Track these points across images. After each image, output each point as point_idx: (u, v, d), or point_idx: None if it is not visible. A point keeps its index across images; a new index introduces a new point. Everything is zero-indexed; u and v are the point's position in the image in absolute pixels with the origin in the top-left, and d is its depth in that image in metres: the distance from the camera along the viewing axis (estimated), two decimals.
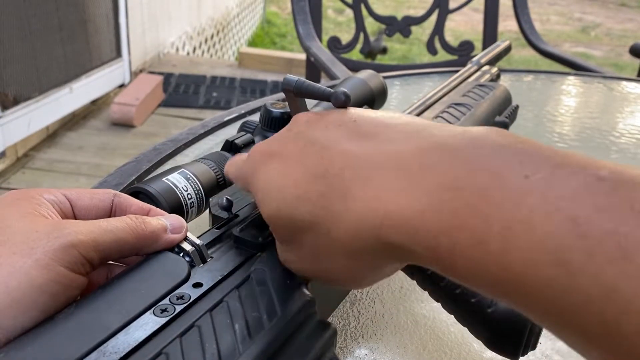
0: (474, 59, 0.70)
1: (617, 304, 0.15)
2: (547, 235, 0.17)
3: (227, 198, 0.32)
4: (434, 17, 1.58)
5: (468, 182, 0.19)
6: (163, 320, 0.24)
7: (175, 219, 0.29)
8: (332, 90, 0.29)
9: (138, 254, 0.28)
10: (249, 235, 0.30)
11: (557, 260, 0.16)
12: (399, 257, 0.23)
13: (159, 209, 0.30)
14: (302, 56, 2.71)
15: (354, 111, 0.27)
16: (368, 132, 0.25)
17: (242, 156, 0.31)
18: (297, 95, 0.30)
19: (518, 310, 0.19)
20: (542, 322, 0.19)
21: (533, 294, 0.17)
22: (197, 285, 0.26)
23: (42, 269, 0.23)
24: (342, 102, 0.28)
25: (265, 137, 0.44)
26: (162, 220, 0.29)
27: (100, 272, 0.29)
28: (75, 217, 0.28)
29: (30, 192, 0.27)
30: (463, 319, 0.33)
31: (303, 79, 0.30)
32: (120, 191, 0.31)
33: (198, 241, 0.29)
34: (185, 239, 0.29)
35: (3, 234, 0.24)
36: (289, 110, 0.44)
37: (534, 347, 0.31)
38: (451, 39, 1.61)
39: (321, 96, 0.29)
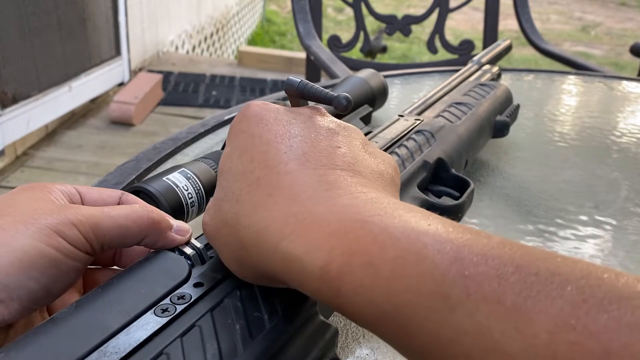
0: (475, 58, 0.70)
1: (486, 342, 0.17)
2: (434, 267, 0.18)
3: None
4: (434, 16, 1.58)
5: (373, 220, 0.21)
6: (164, 320, 0.24)
7: (182, 224, 0.30)
8: (334, 95, 0.29)
9: (141, 245, 0.28)
10: None
11: (440, 292, 0.18)
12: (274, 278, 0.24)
13: (164, 212, 0.30)
14: (302, 55, 2.71)
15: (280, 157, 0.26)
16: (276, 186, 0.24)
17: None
18: (299, 97, 0.30)
19: (392, 346, 0.20)
20: (408, 354, 0.19)
21: (412, 326, 0.18)
22: (198, 285, 0.26)
23: (44, 236, 0.25)
24: (344, 107, 0.29)
25: None
26: (169, 218, 0.29)
27: (106, 274, 0.30)
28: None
29: (44, 183, 0.29)
30: None
31: (306, 81, 0.29)
32: (120, 190, 0.32)
33: (198, 244, 0.29)
34: (187, 242, 0.29)
35: (10, 209, 0.26)
36: None
37: None
38: (452, 38, 1.61)
39: (323, 100, 0.29)
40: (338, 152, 0.26)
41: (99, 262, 0.31)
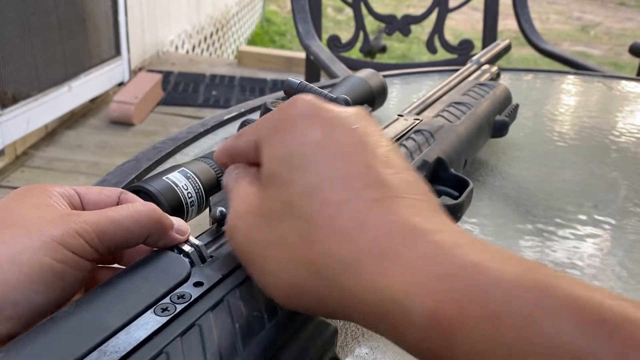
0: (474, 57, 0.70)
1: None
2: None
3: (220, 210, 0.32)
4: (433, 16, 1.58)
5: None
6: (164, 320, 0.24)
7: (182, 222, 0.30)
8: (334, 96, 0.29)
9: (145, 244, 0.28)
10: None
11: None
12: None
13: (162, 211, 0.30)
14: (302, 55, 2.71)
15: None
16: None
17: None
18: None
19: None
20: None
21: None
22: (198, 284, 0.26)
23: (49, 250, 0.24)
24: None
25: None
26: (170, 217, 0.29)
27: (106, 273, 0.30)
28: (83, 209, 0.29)
29: (42, 185, 0.28)
30: None
31: (305, 82, 0.30)
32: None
33: (197, 242, 0.29)
34: (186, 240, 0.29)
35: (12, 219, 0.25)
36: None
37: None
38: (451, 37, 1.61)
39: None
40: (406, 178, 0.23)
41: (99, 262, 0.31)
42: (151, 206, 0.29)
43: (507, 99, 0.61)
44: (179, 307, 0.24)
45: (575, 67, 1.34)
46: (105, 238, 0.26)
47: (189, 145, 0.62)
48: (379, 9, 1.60)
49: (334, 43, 1.53)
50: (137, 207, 0.28)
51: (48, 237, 0.24)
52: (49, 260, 0.24)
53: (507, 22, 2.86)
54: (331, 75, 1.21)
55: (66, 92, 2.22)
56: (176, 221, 0.29)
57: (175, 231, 0.29)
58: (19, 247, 0.24)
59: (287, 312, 0.25)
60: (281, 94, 0.70)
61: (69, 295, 0.26)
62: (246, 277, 0.27)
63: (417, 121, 0.49)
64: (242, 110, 0.71)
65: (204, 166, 0.38)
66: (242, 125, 0.46)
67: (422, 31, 4.21)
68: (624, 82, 0.94)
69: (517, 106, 0.63)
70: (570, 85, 0.92)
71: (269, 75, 2.97)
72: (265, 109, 0.44)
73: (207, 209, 0.37)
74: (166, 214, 0.29)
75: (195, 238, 0.29)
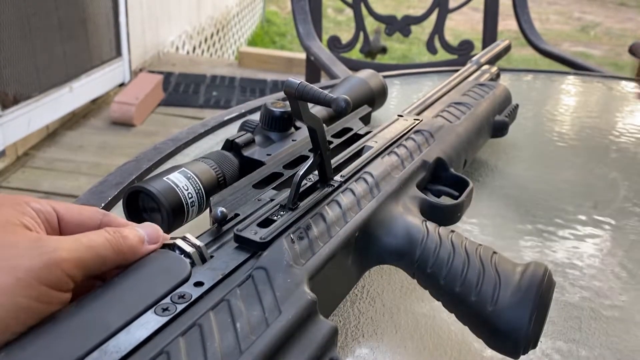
0: (474, 58, 0.70)
1: None
2: None
3: (221, 210, 0.32)
4: (433, 17, 1.58)
5: None
6: (164, 319, 0.24)
7: (152, 229, 0.29)
8: (333, 97, 0.29)
9: (118, 268, 0.27)
10: (250, 233, 0.30)
11: None
12: None
13: (128, 222, 0.29)
14: (302, 55, 2.71)
15: None
16: None
17: None
18: (298, 99, 0.30)
19: None
20: None
21: None
22: (198, 284, 0.26)
23: (24, 288, 0.22)
24: (343, 109, 0.29)
25: (265, 137, 0.44)
26: (139, 231, 0.28)
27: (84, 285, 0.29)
28: (60, 231, 0.28)
29: (16, 199, 0.26)
30: (463, 317, 0.33)
31: (305, 83, 0.30)
32: (121, 190, 0.31)
33: (198, 242, 0.29)
34: (185, 240, 0.29)
35: None
36: (289, 109, 0.44)
37: (534, 346, 0.31)
38: (451, 38, 1.61)
39: (322, 102, 0.29)
40: None
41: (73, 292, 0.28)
42: (119, 231, 0.27)
43: (507, 99, 0.62)
44: (180, 307, 0.25)
45: (575, 67, 1.34)
46: (83, 266, 0.24)
47: (190, 146, 0.62)
48: (379, 9, 1.60)
49: (334, 44, 1.53)
50: (110, 235, 0.27)
51: (22, 272, 0.22)
52: (23, 301, 0.22)
53: (507, 23, 2.86)
54: (331, 76, 1.21)
55: (67, 93, 2.22)
56: (146, 229, 0.28)
57: (147, 241, 0.28)
58: None
59: (287, 311, 0.25)
60: (281, 94, 0.70)
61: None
62: (247, 277, 0.27)
63: (417, 121, 0.49)
64: (243, 110, 0.71)
65: (205, 167, 0.39)
66: (243, 125, 0.46)
67: (422, 32, 4.21)
68: (623, 82, 0.94)
69: (517, 106, 0.63)
70: (570, 86, 0.92)
71: (269, 76, 2.97)
72: (265, 110, 0.45)
73: (208, 209, 0.37)
74: (134, 227, 0.28)
75: (196, 238, 0.30)
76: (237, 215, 0.33)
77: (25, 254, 0.23)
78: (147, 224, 0.29)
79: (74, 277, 0.24)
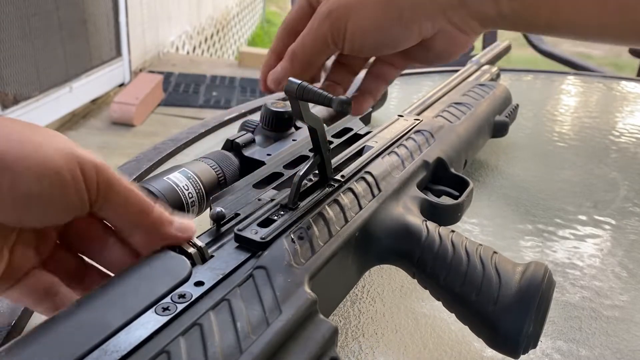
0: (474, 58, 0.70)
1: None
2: None
3: (220, 209, 0.32)
4: None
5: None
6: (165, 319, 0.24)
7: (187, 222, 0.29)
8: (333, 97, 0.29)
9: (133, 240, 0.27)
10: (250, 233, 0.30)
11: None
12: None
13: (164, 208, 0.29)
14: None
15: None
16: None
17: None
18: (298, 99, 0.30)
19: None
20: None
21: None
22: (199, 283, 0.26)
23: (70, 162, 0.24)
24: (343, 109, 0.29)
25: (266, 136, 0.44)
26: (169, 215, 0.28)
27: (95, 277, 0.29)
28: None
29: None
30: (464, 317, 0.33)
31: (305, 83, 0.30)
32: None
33: (198, 242, 0.29)
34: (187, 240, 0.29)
35: (39, 129, 0.25)
36: (289, 109, 0.44)
37: (534, 346, 0.31)
38: None
39: (322, 101, 0.29)
40: None
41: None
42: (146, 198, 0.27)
43: (507, 99, 0.62)
44: (180, 307, 0.25)
45: (575, 67, 1.35)
46: (100, 179, 0.25)
47: (190, 146, 0.62)
48: None
49: None
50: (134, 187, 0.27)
51: (70, 151, 0.24)
52: (66, 176, 0.23)
53: None
54: None
55: (67, 93, 2.22)
56: (180, 220, 0.29)
57: (176, 230, 0.28)
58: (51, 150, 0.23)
59: (287, 311, 0.25)
60: (282, 94, 0.70)
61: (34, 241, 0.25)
62: (247, 277, 0.27)
63: (417, 121, 0.49)
64: (243, 111, 0.71)
65: (205, 166, 0.39)
66: (243, 125, 0.46)
67: None
68: (623, 82, 0.94)
69: (517, 106, 0.63)
70: (570, 86, 0.92)
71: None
72: (265, 110, 0.45)
73: (208, 209, 0.37)
74: (165, 213, 0.28)
75: (196, 238, 0.30)
76: (237, 214, 0.33)
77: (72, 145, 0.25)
78: (185, 216, 0.29)
79: (93, 195, 0.25)
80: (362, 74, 0.39)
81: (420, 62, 0.37)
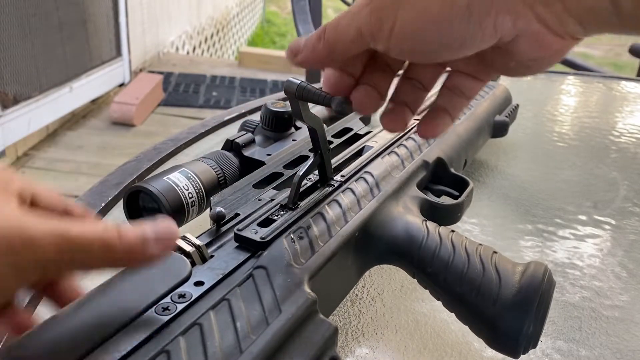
0: None
1: None
2: None
3: (219, 209, 0.32)
4: None
5: None
6: (165, 319, 0.24)
7: (164, 225, 0.24)
8: (333, 97, 0.29)
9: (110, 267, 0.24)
10: (250, 233, 0.30)
11: None
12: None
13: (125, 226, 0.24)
14: None
15: None
16: None
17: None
18: (298, 99, 0.30)
19: None
20: None
21: None
22: (199, 283, 0.26)
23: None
24: (342, 110, 0.29)
25: (266, 137, 0.44)
26: (137, 233, 0.23)
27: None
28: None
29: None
30: (464, 317, 0.33)
31: (305, 83, 0.30)
32: (121, 190, 0.31)
33: (198, 242, 0.29)
34: (185, 239, 0.29)
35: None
36: (289, 109, 0.44)
37: (534, 346, 0.31)
38: None
39: (322, 101, 0.29)
40: None
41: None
42: (114, 227, 0.23)
43: (507, 99, 0.62)
44: (180, 307, 0.25)
45: (575, 67, 1.35)
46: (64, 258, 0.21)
47: (190, 146, 0.62)
48: None
49: None
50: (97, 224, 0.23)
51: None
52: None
53: None
54: None
55: (67, 93, 2.22)
56: (152, 228, 0.24)
57: (156, 242, 0.23)
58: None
59: (287, 311, 0.25)
60: (281, 94, 0.70)
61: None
62: (247, 277, 0.27)
63: (417, 121, 0.49)
64: (243, 111, 0.71)
65: (205, 166, 0.39)
66: (243, 125, 0.46)
67: None
68: (623, 82, 0.94)
69: (517, 106, 0.63)
70: (570, 86, 0.92)
71: (270, 76, 2.97)
72: (265, 110, 0.45)
73: (208, 209, 0.37)
74: (130, 231, 0.23)
75: (196, 238, 0.30)
76: (237, 214, 0.33)
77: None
78: (160, 219, 0.24)
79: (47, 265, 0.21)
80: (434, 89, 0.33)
81: (499, 71, 0.30)
